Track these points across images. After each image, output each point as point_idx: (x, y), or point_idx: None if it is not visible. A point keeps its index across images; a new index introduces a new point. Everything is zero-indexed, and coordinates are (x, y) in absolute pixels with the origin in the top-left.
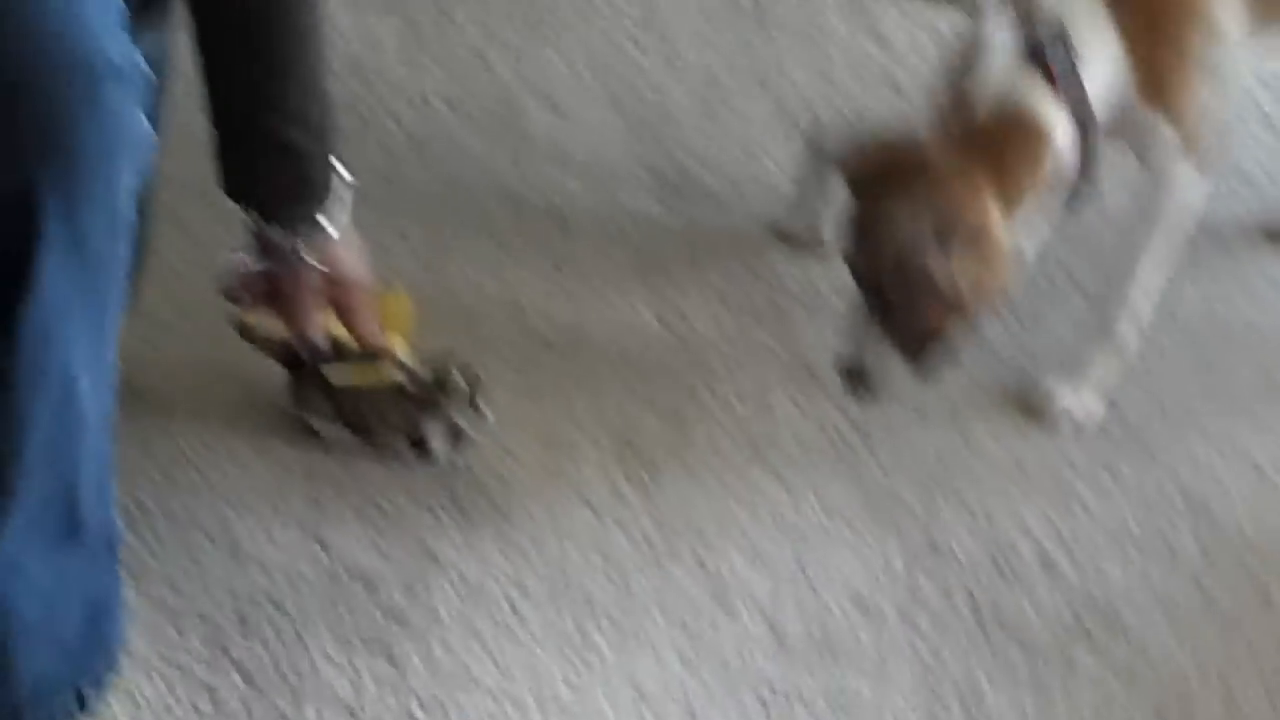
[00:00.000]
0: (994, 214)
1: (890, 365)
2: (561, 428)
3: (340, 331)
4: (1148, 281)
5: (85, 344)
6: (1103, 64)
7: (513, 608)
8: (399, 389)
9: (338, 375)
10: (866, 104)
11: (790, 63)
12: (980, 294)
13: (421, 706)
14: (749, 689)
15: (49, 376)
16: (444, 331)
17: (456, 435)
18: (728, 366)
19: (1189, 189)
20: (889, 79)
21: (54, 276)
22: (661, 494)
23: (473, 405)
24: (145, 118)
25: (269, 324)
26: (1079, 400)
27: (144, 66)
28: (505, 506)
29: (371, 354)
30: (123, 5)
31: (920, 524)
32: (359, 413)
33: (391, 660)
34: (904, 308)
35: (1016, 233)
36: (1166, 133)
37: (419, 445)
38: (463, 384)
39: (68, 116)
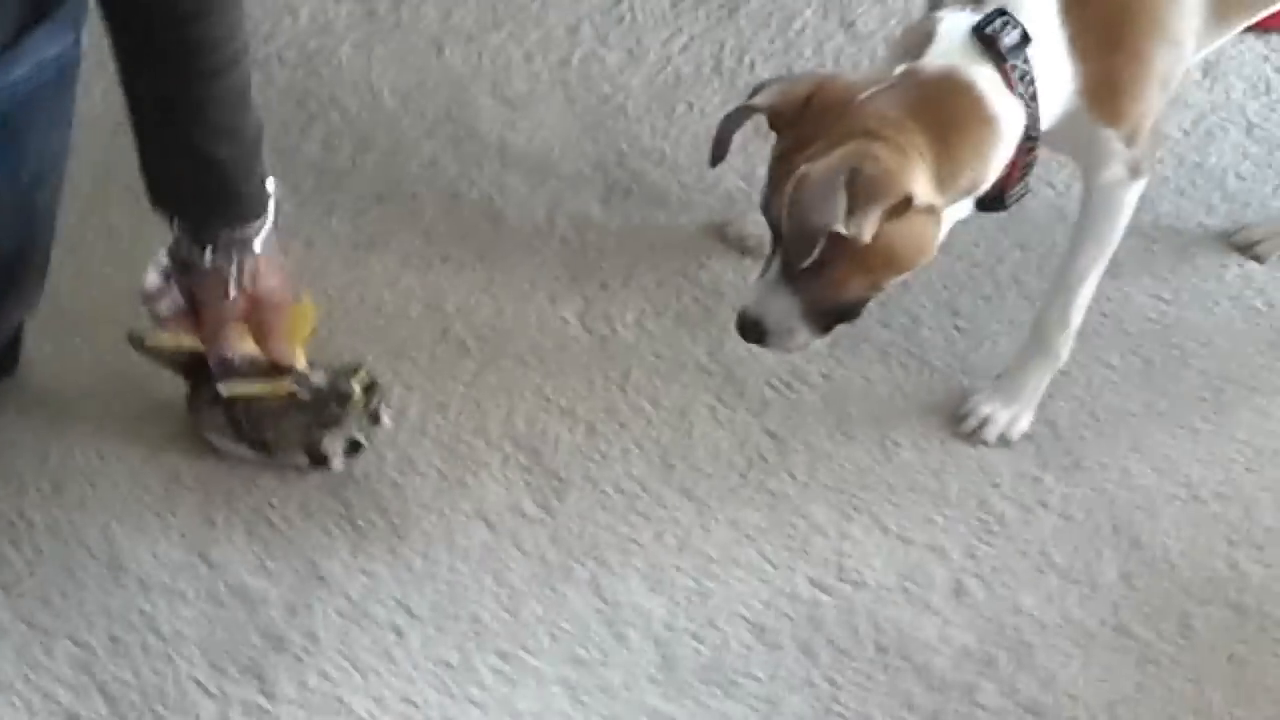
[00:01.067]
0: (922, 184)
1: (792, 319)
2: (468, 439)
3: (249, 347)
4: (1083, 295)
5: None
6: (1054, 67)
7: (396, 632)
8: (294, 401)
9: (229, 387)
10: None
11: (756, 54)
12: (891, 262)
13: None
14: None
15: None
16: (359, 333)
17: (354, 447)
18: (650, 376)
19: (1131, 206)
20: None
21: None
22: (564, 511)
23: (371, 416)
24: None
25: (173, 337)
26: (1007, 413)
27: None
28: (400, 522)
29: (276, 371)
30: None
31: (831, 545)
32: (256, 427)
33: (263, 687)
34: (801, 257)
35: (944, 211)
36: (1115, 148)
37: (317, 459)
38: (359, 394)
39: None
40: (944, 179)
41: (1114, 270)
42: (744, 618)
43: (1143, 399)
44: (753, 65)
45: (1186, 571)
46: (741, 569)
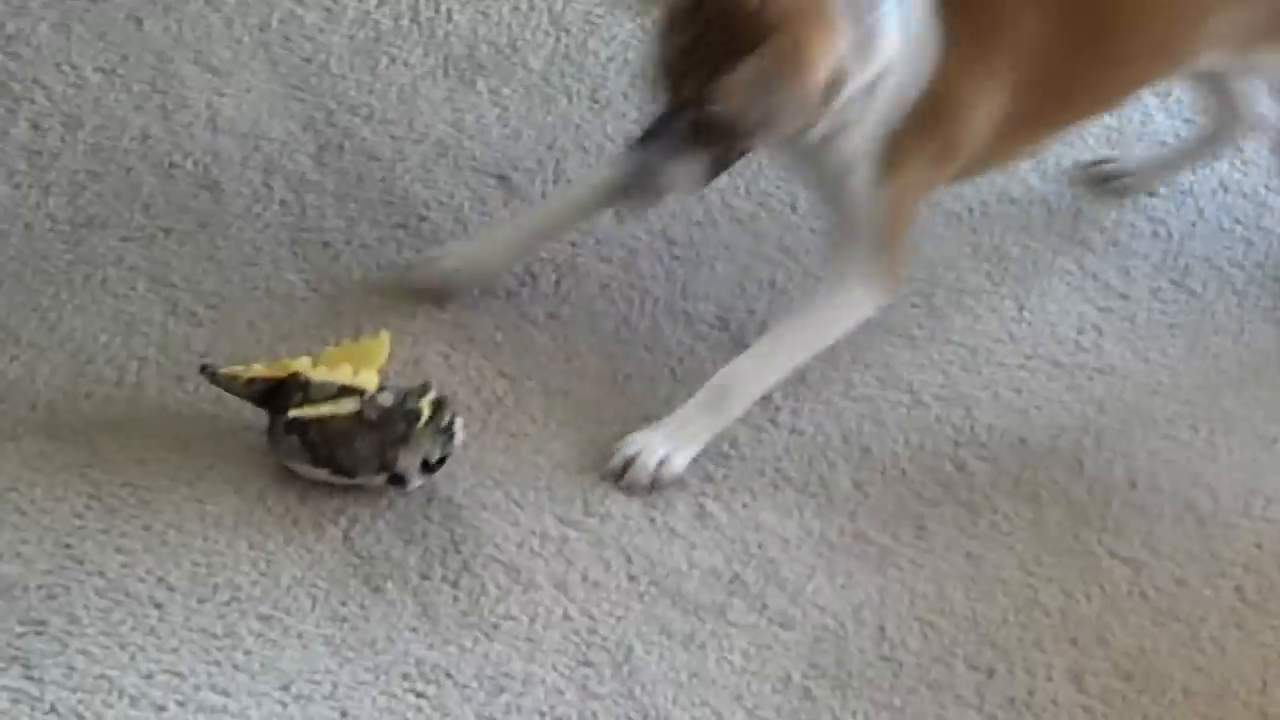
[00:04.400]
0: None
1: (695, 176)
2: (209, 409)
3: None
4: (780, 368)
5: None
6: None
7: (156, 606)
8: (363, 421)
9: (299, 410)
10: (525, 39)
11: (453, 3)
12: (770, 118)
13: None
14: (399, 674)
15: None
16: (87, 312)
17: (429, 465)
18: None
19: (863, 304)
20: (552, 14)
21: None
22: None
23: (444, 434)
24: None
25: (246, 369)
26: (662, 452)
27: None
28: (149, 497)
29: (345, 393)
30: None
31: (574, 481)
32: (329, 449)
33: (29, 673)
34: (748, 146)
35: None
36: (869, 227)
37: (395, 478)
38: (427, 413)
39: None
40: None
41: None
42: (497, 560)
43: None
44: (450, 14)
45: (916, 475)
46: (489, 512)
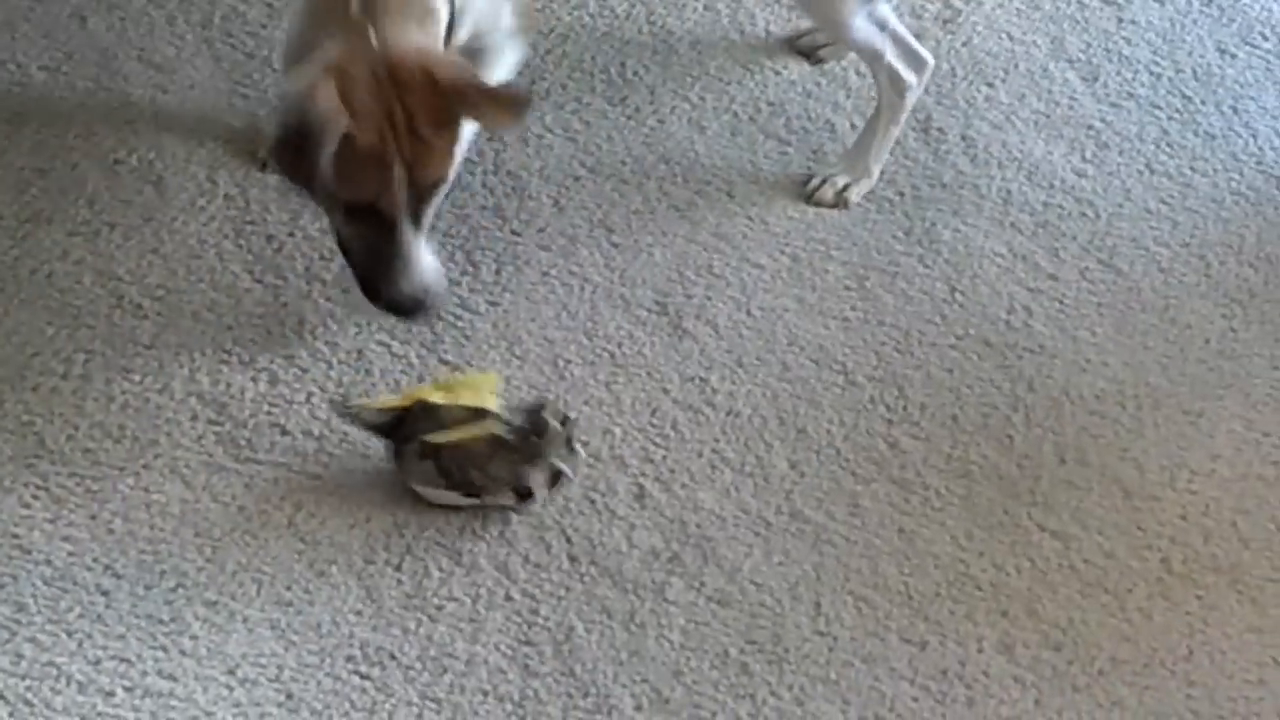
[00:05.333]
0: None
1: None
2: (155, 398)
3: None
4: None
5: None
6: None
7: (103, 593)
8: (498, 442)
9: (436, 436)
10: None
11: None
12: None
13: (9, 709)
14: (343, 656)
15: None
16: (33, 305)
17: (556, 477)
18: (325, 321)
19: None
20: None
21: None
22: (256, 459)
23: (568, 446)
24: None
25: (382, 399)
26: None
27: None
28: (97, 487)
29: (477, 417)
30: None
31: None
32: (464, 472)
33: None
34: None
35: None
36: None
37: (523, 494)
38: (559, 427)
39: None
40: None
41: (753, 174)
42: (440, 545)
43: (794, 294)
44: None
45: (850, 454)
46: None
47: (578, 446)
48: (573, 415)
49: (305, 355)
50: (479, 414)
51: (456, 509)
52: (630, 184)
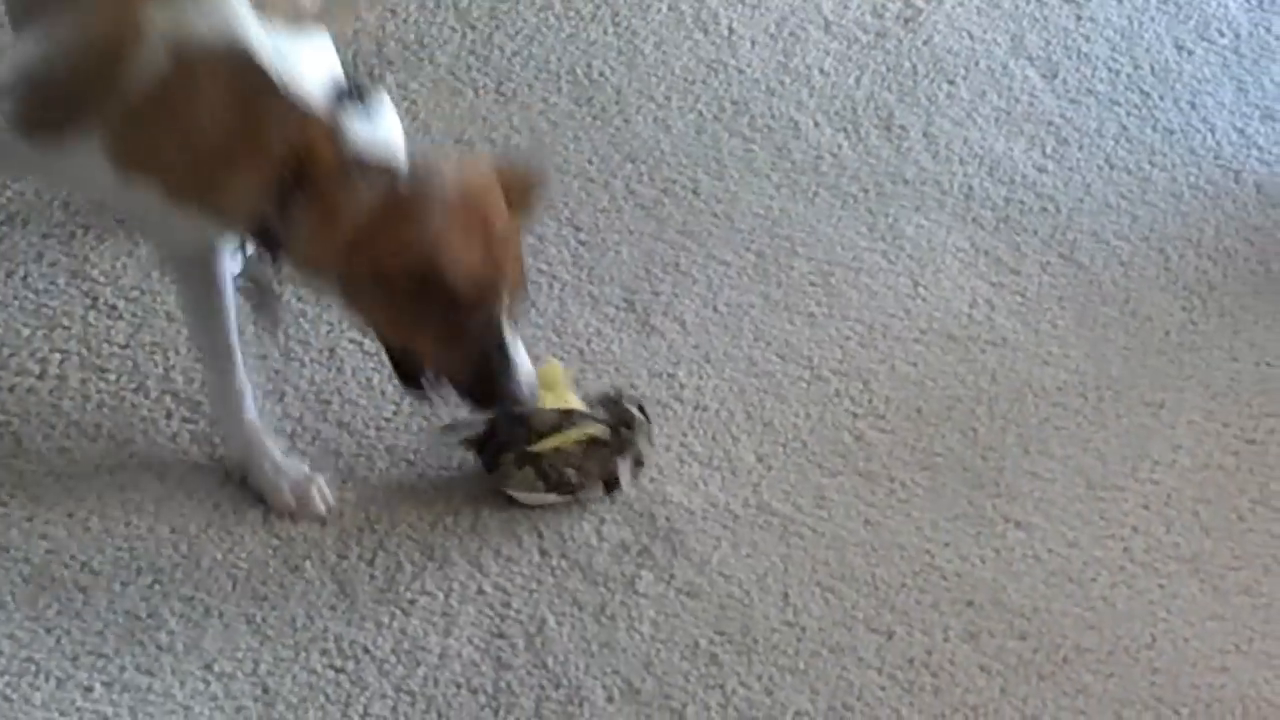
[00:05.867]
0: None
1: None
2: (130, 397)
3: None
4: None
5: None
6: None
7: (81, 590)
8: (594, 440)
9: (540, 444)
10: (432, 35)
11: None
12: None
13: None
14: (318, 650)
15: None
16: (8, 308)
17: (639, 464)
18: (296, 319)
19: None
20: (459, 10)
21: None
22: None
23: (645, 431)
24: None
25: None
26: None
27: None
28: (73, 485)
29: (567, 419)
30: None
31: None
32: (561, 472)
33: None
34: None
35: None
36: None
37: (611, 485)
38: (642, 417)
39: None
40: None
41: (718, 172)
42: (412, 539)
43: (759, 290)
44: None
45: (817, 447)
46: (403, 491)
47: (655, 431)
48: (640, 399)
49: (277, 354)
50: (567, 415)
51: (550, 507)
52: (597, 183)
